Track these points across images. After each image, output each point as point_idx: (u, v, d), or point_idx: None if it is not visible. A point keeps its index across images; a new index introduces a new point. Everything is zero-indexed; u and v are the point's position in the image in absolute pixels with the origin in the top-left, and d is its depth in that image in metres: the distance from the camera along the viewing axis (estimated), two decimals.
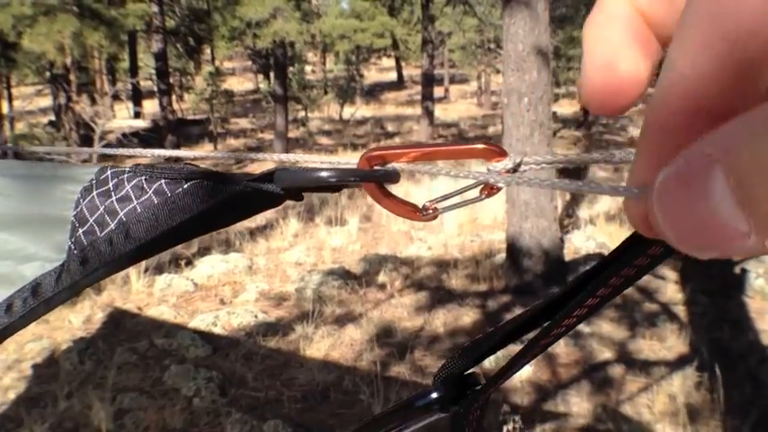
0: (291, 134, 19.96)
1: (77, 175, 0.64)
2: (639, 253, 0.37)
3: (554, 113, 6.80)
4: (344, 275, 7.15)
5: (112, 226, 0.58)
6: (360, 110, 26.05)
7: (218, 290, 7.06)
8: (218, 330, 5.95)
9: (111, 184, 0.60)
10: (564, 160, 0.40)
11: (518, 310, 6.04)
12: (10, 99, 26.36)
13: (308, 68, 34.91)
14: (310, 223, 9.54)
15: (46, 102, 26.09)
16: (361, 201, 10.77)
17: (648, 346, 5.44)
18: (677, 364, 5.11)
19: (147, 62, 28.12)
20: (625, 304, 6.21)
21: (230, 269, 7.52)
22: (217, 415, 4.60)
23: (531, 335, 0.56)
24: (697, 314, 5.92)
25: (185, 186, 0.55)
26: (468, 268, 7.34)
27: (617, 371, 5.08)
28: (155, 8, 20.20)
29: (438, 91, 26.76)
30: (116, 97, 23.59)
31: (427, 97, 20.59)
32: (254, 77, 36.86)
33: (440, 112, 24.85)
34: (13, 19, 16.29)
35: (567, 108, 26.20)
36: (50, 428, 4.54)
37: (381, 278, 7.14)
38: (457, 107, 29.64)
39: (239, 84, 37.11)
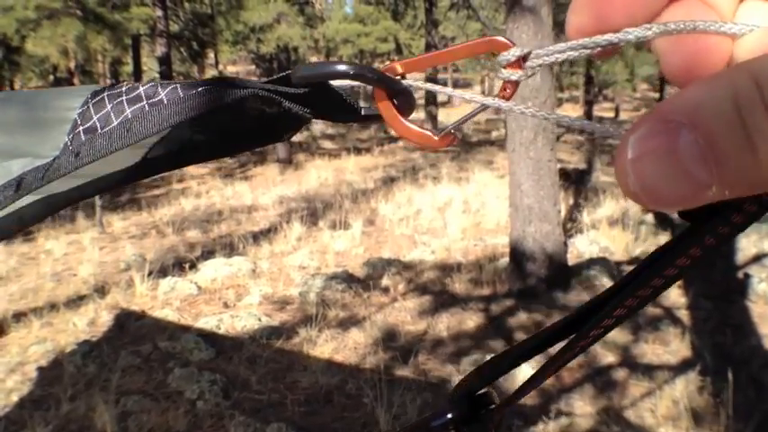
0: (295, 138, 19.95)
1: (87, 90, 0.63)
2: (676, 255, 0.37)
3: None
4: (348, 279, 7.15)
5: (115, 123, 0.57)
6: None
7: (222, 293, 7.06)
8: (221, 333, 5.95)
9: (123, 89, 0.59)
10: (576, 46, 0.37)
11: (521, 314, 6.06)
12: None
13: None
14: (314, 227, 9.54)
15: None
16: (365, 205, 10.79)
17: (652, 350, 5.44)
18: (680, 368, 5.11)
19: (150, 66, 28.15)
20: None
21: (234, 273, 7.52)
22: (220, 418, 4.61)
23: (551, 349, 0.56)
24: (700, 318, 5.93)
25: (200, 89, 0.55)
26: (472, 272, 7.34)
27: (620, 374, 5.08)
28: (158, 12, 20.22)
29: (441, 95, 26.72)
30: None
31: (431, 101, 20.62)
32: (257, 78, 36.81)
33: (443, 116, 24.87)
34: (16, 23, 16.33)
35: (570, 112, 26.17)
36: (54, 431, 4.55)
37: (385, 282, 7.15)
38: (460, 111, 29.65)
39: None
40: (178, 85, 0.56)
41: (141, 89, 0.58)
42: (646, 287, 0.40)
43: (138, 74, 24.11)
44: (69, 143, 0.60)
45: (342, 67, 0.45)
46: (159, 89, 0.57)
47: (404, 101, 0.46)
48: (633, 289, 0.41)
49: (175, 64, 24.66)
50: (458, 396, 0.57)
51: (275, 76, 0.53)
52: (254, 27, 20.75)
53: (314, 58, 36.18)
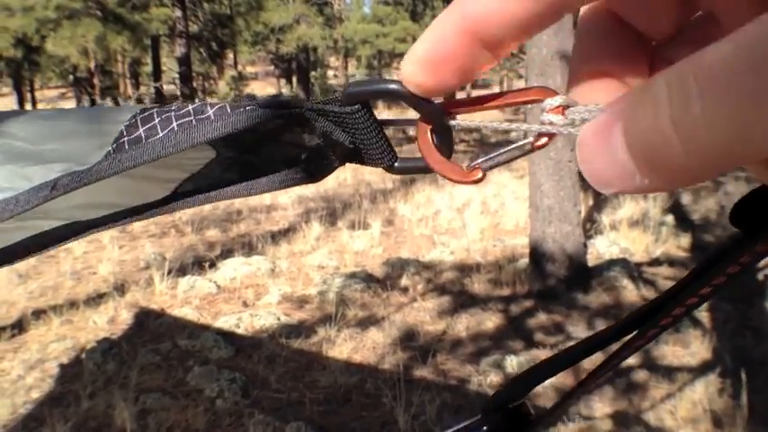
0: None
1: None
2: (729, 262, 0.37)
3: None
4: (367, 279, 7.14)
5: (161, 135, 0.58)
6: (382, 114, 26.08)
7: (241, 292, 7.07)
8: (240, 332, 5.96)
9: (173, 107, 0.60)
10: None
11: (541, 315, 6.03)
12: (33, 102, 26.61)
13: (330, 73, 35.02)
14: (333, 227, 9.54)
15: (70, 105, 26.28)
16: (384, 205, 10.78)
17: (672, 353, 5.41)
18: (700, 370, 5.08)
19: (170, 66, 28.29)
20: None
21: (253, 272, 7.54)
22: (239, 416, 4.61)
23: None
24: (720, 321, 5.88)
25: (248, 107, 0.55)
26: (491, 273, 7.32)
27: (640, 377, 5.05)
28: (178, 13, 20.32)
29: (460, 96, 26.73)
30: (139, 101, 23.73)
31: None
32: (277, 82, 37.01)
33: (461, 116, 24.84)
34: (36, 23, 16.45)
35: None
36: (73, 428, 4.56)
37: (404, 282, 7.14)
38: (479, 113, 29.59)
39: (262, 88, 37.23)
40: (227, 105, 0.56)
41: (190, 107, 0.58)
42: (693, 296, 0.41)
43: (157, 74, 24.23)
44: (112, 151, 0.60)
45: (393, 87, 0.43)
46: (208, 107, 0.57)
47: (444, 138, 0.46)
48: (685, 294, 0.41)
49: (195, 64, 24.77)
50: (493, 407, 0.55)
51: (327, 99, 0.52)
52: (274, 27, 20.81)
53: (332, 59, 36.25)
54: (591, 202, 10.11)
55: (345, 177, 13.59)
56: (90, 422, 4.64)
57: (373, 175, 13.45)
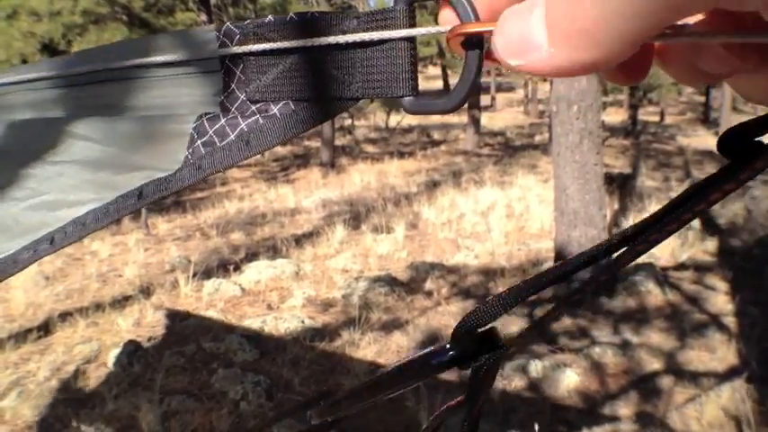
0: (338, 142, 20.01)
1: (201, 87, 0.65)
2: (714, 189, 0.38)
3: (602, 122, 6.77)
4: (391, 282, 7.14)
5: (233, 137, 0.59)
6: (406, 118, 26.04)
7: (266, 295, 7.09)
8: (265, 335, 5.97)
9: (232, 107, 0.61)
10: None
11: (566, 319, 6.00)
12: None
13: None
14: (356, 230, 9.55)
15: None
16: (408, 209, 10.77)
17: (698, 357, 5.36)
18: (726, 375, 5.03)
19: None
20: (674, 314, 6.13)
21: (277, 275, 7.55)
22: (264, 419, 4.62)
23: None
24: (746, 325, 5.82)
25: (310, 103, 0.56)
26: (516, 277, 7.28)
27: (665, 381, 5.00)
28: (203, 17, 20.40)
29: (484, 99, 26.73)
30: None
31: (474, 105, 20.53)
32: None
33: (486, 120, 24.80)
34: (63, 27, 16.54)
35: (614, 117, 25.99)
36: (98, 429, 4.58)
37: (428, 286, 7.12)
38: (503, 115, 29.57)
39: None
40: (290, 101, 0.57)
41: (253, 107, 0.59)
42: (677, 221, 0.42)
43: None
44: (190, 156, 0.62)
45: None
46: (271, 105, 0.58)
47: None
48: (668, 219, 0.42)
49: None
50: (460, 332, 0.53)
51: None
52: None
53: None
54: (616, 206, 10.05)
55: (369, 181, 13.61)
56: (115, 424, 4.66)
57: (397, 179, 13.47)
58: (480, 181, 13.00)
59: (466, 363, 0.53)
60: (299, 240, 9.08)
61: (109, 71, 0.69)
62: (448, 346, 0.52)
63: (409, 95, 0.50)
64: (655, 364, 5.25)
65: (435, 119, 28.10)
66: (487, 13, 0.41)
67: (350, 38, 0.51)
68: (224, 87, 0.62)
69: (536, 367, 5.11)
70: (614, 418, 4.51)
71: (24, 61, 17.25)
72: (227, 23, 0.60)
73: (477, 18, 0.41)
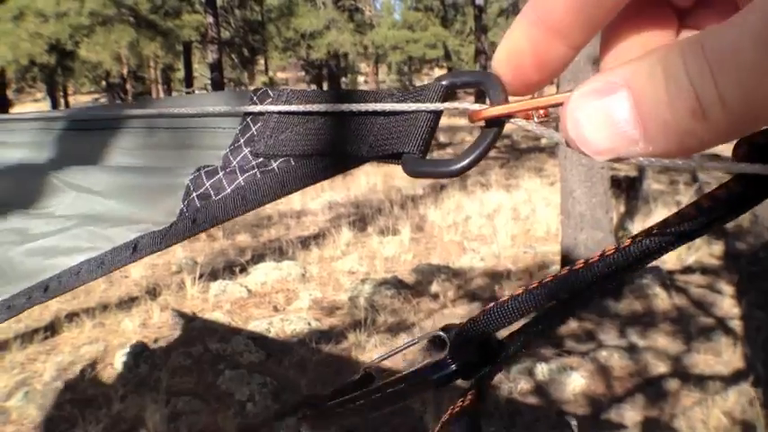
0: None
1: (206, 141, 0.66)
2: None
3: None
4: (397, 285, 7.14)
5: (228, 191, 0.59)
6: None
7: (272, 297, 7.10)
8: (271, 337, 5.98)
9: (234, 160, 0.61)
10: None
11: (572, 322, 5.99)
12: (67, 107, 26.92)
13: (360, 79, 35.09)
14: (363, 233, 9.55)
15: None
16: (414, 211, 10.76)
17: (704, 361, 5.35)
18: (732, 379, 5.02)
19: (202, 72, 28.48)
20: (681, 318, 6.13)
21: (284, 277, 7.56)
22: (267, 420, 4.62)
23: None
24: (753, 329, 5.81)
25: (311, 159, 0.56)
26: (522, 280, 7.28)
27: (671, 385, 5.00)
28: (210, 19, 20.46)
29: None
30: None
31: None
32: (307, 88, 37.11)
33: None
34: (70, 29, 16.61)
35: None
36: (104, 430, 4.60)
37: (434, 288, 7.12)
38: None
39: None
40: (291, 159, 0.57)
41: (253, 161, 0.59)
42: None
43: (189, 80, 24.40)
44: (185, 209, 0.62)
45: (485, 78, 0.45)
46: (272, 160, 0.58)
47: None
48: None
49: (226, 70, 24.93)
50: (460, 342, 0.52)
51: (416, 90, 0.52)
52: (305, 34, 20.89)
53: (363, 65, 36.30)
54: (623, 210, 10.04)
55: (375, 183, 13.61)
56: (121, 424, 4.67)
57: (403, 181, 13.45)
58: (486, 183, 12.98)
59: (468, 375, 0.53)
60: (305, 242, 9.09)
61: (115, 120, 0.71)
62: (449, 359, 0.52)
63: (416, 154, 0.50)
64: (661, 368, 5.25)
65: (442, 121, 27.96)
66: (510, 67, 0.42)
67: (379, 106, 0.52)
68: (233, 142, 0.62)
69: (542, 370, 5.11)
70: (620, 422, 4.50)
71: (32, 62, 17.31)
72: (266, 87, 0.61)
73: (506, 99, 0.44)
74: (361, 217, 10.45)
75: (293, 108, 0.57)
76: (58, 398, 5.06)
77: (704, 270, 7.41)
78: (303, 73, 36.17)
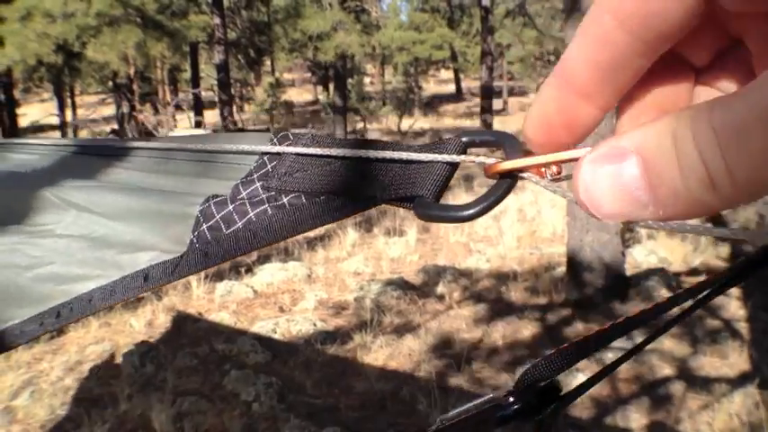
0: None
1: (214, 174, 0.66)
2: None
3: (614, 127, 6.75)
4: (403, 286, 7.14)
5: (240, 225, 0.59)
6: (418, 122, 26.04)
7: (278, 297, 7.10)
8: (277, 337, 5.99)
9: (243, 193, 0.62)
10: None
11: (578, 324, 5.99)
12: (74, 107, 26.93)
13: (366, 80, 35.05)
14: (368, 234, 9.55)
15: (109, 110, 26.53)
16: None
17: (710, 363, 5.34)
18: (738, 381, 5.01)
19: (208, 73, 28.48)
20: (686, 320, 6.11)
21: (289, 277, 7.57)
22: (275, 421, 4.63)
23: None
24: (759, 331, 5.80)
25: (322, 198, 0.57)
26: (528, 281, 7.28)
27: (677, 387, 4.99)
28: (216, 20, 20.46)
29: (497, 103, 26.69)
30: (178, 107, 23.93)
31: (486, 110, 20.54)
32: (314, 89, 37.14)
33: (498, 124, 24.73)
34: (77, 29, 16.61)
35: None
36: (110, 430, 4.61)
37: (440, 289, 7.12)
38: (516, 120, 29.46)
39: (299, 95, 37.44)
40: (302, 195, 0.58)
41: (263, 195, 0.60)
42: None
43: (196, 80, 24.41)
44: (195, 240, 0.62)
45: (513, 140, 0.48)
46: (282, 195, 0.59)
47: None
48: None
49: (233, 71, 24.93)
50: (523, 385, 0.53)
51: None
52: (312, 35, 20.88)
53: (369, 66, 36.30)
54: None
55: None
56: (127, 424, 4.68)
57: None
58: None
59: (529, 416, 0.54)
60: (310, 243, 9.09)
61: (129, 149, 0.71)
62: (511, 399, 0.53)
63: (429, 198, 0.53)
64: (666, 370, 5.24)
65: (447, 123, 28.09)
66: (542, 130, 0.42)
67: (397, 154, 0.54)
68: (245, 175, 0.63)
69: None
70: (626, 424, 4.50)
71: (40, 62, 17.34)
72: (287, 131, 0.62)
73: (522, 156, 0.45)
74: (367, 218, 10.45)
75: (311, 150, 0.58)
76: (64, 397, 5.08)
77: (710, 272, 7.39)
78: (309, 74, 36.17)
